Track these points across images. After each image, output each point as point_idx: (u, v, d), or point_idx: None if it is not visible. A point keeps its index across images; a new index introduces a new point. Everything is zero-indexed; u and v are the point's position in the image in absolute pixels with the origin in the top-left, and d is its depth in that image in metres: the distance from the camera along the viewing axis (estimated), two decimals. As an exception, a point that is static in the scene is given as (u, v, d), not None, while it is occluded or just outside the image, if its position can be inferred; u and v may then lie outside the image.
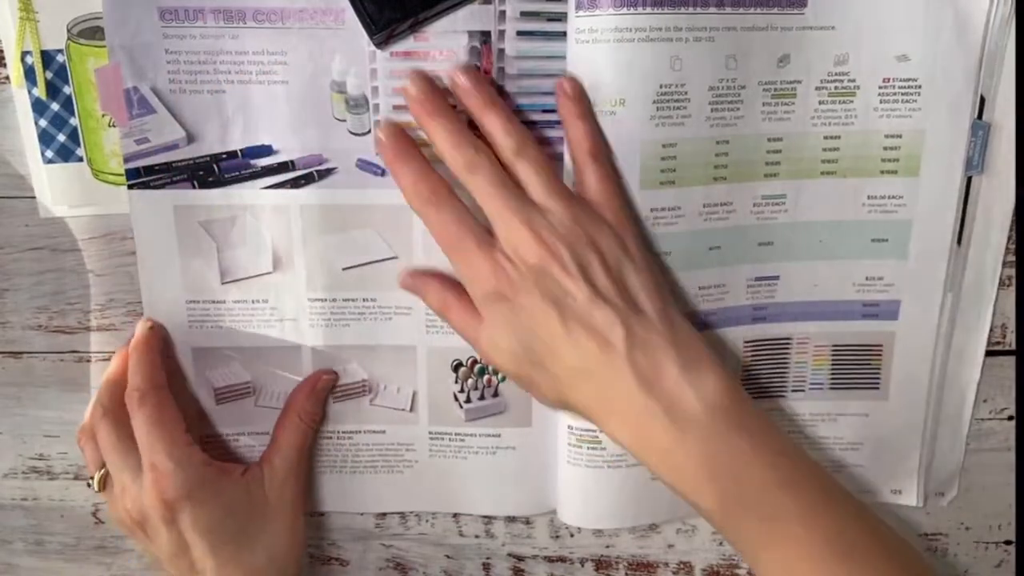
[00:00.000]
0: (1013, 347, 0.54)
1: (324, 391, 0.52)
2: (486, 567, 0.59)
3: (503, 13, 0.47)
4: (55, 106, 0.50)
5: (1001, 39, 0.48)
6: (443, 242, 0.46)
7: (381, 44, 0.46)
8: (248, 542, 0.50)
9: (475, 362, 0.53)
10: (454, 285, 0.47)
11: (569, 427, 0.53)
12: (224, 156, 0.49)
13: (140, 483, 0.48)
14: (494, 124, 0.45)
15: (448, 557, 0.59)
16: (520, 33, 0.47)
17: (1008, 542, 0.58)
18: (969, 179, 0.50)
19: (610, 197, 0.46)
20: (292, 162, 0.49)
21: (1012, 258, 0.52)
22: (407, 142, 0.47)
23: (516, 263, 0.44)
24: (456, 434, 0.55)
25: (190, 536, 0.48)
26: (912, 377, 0.54)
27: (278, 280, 0.51)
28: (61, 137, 0.50)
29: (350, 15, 0.46)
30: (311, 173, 0.49)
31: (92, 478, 0.51)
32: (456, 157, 0.45)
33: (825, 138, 0.49)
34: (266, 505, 0.51)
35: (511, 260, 0.44)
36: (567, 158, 0.48)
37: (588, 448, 0.53)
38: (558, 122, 0.48)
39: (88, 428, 0.51)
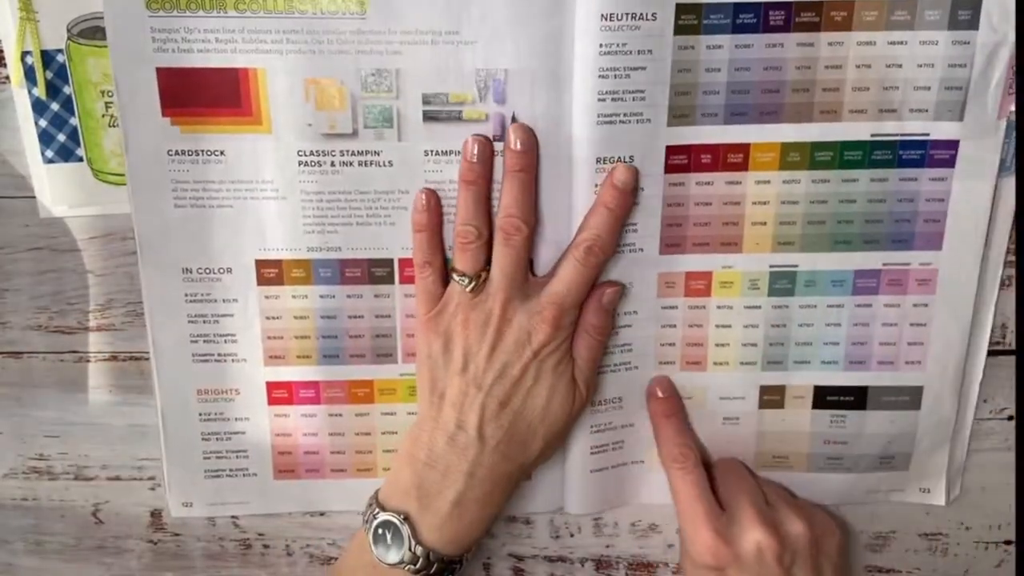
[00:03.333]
0: (1013, 347, 0.54)
1: (611, 304, 0.51)
2: (486, 567, 0.59)
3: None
4: (55, 106, 0.50)
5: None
6: (677, 503, 0.52)
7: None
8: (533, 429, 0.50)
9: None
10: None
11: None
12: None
13: (531, 309, 0.48)
14: None
15: (448, 557, 0.60)
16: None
17: (1008, 542, 0.58)
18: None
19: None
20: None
21: (1012, 258, 0.52)
22: (676, 401, 0.54)
23: (736, 546, 0.49)
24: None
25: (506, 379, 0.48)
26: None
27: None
28: (61, 137, 0.50)
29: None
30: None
31: (464, 276, 0.48)
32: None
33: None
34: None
35: (730, 544, 0.49)
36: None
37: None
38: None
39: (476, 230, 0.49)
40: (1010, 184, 0.51)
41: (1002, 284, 0.53)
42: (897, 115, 0.49)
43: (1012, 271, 0.52)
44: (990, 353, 0.54)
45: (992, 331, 0.53)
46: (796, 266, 0.52)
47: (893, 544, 0.58)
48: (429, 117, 0.49)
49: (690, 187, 0.50)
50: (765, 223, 0.51)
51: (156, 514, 0.58)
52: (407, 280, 0.52)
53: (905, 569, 0.59)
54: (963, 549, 0.59)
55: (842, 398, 0.54)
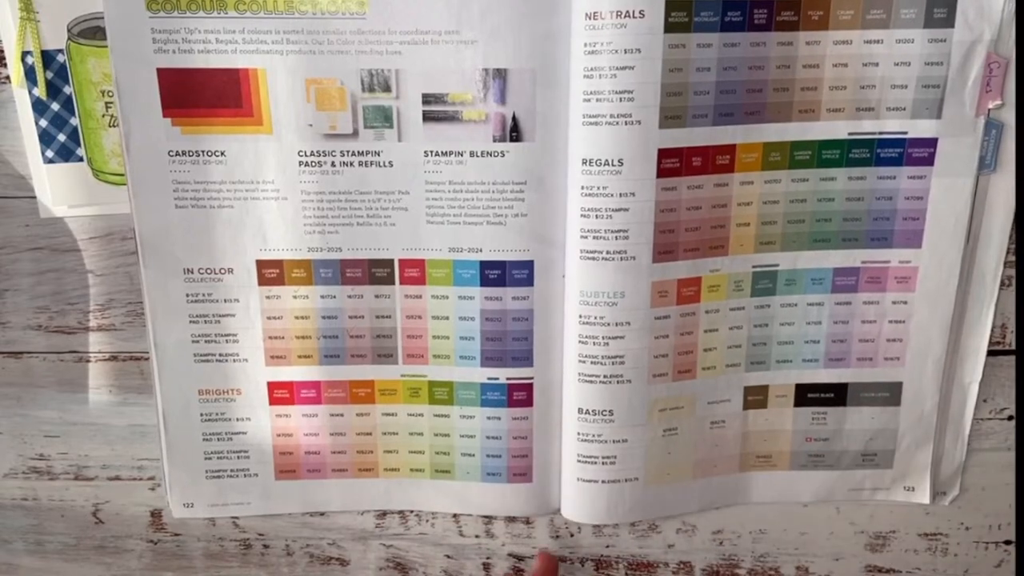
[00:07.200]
0: (1013, 347, 0.53)
1: None
2: (486, 567, 0.58)
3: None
4: (55, 106, 0.49)
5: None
6: None
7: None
8: None
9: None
10: None
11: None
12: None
13: None
14: None
15: (448, 557, 0.58)
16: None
17: (1008, 542, 0.57)
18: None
19: None
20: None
21: (1012, 258, 0.51)
22: None
23: None
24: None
25: None
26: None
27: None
28: (61, 137, 0.49)
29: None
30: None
31: None
32: None
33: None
34: None
35: None
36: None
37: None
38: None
39: None
40: (991, 181, 0.50)
41: (1002, 284, 0.52)
42: (874, 113, 0.48)
43: (1012, 271, 0.51)
44: (990, 353, 0.53)
45: (992, 331, 0.53)
46: (777, 265, 0.51)
47: (893, 544, 0.58)
48: (429, 117, 0.48)
49: (682, 191, 0.48)
50: (748, 224, 0.50)
51: (156, 514, 0.57)
52: (407, 281, 0.51)
53: (905, 569, 0.58)
54: (963, 549, 0.58)
55: (822, 395, 0.54)
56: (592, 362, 0.51)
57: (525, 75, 0.47)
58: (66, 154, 0.50)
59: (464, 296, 0.52)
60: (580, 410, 0.52)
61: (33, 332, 0.54)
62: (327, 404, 0.54)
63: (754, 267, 0.51)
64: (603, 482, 0.54)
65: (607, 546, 0.58)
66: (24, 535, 0.58)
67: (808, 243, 0.51)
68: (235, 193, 0.50)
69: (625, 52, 0.46)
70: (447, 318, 0.52)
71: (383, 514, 0.57)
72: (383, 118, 0.48)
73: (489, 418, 0.54)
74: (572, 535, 0.58)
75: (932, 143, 0.49)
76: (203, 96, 0.48)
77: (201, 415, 0.54)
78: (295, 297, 0.52)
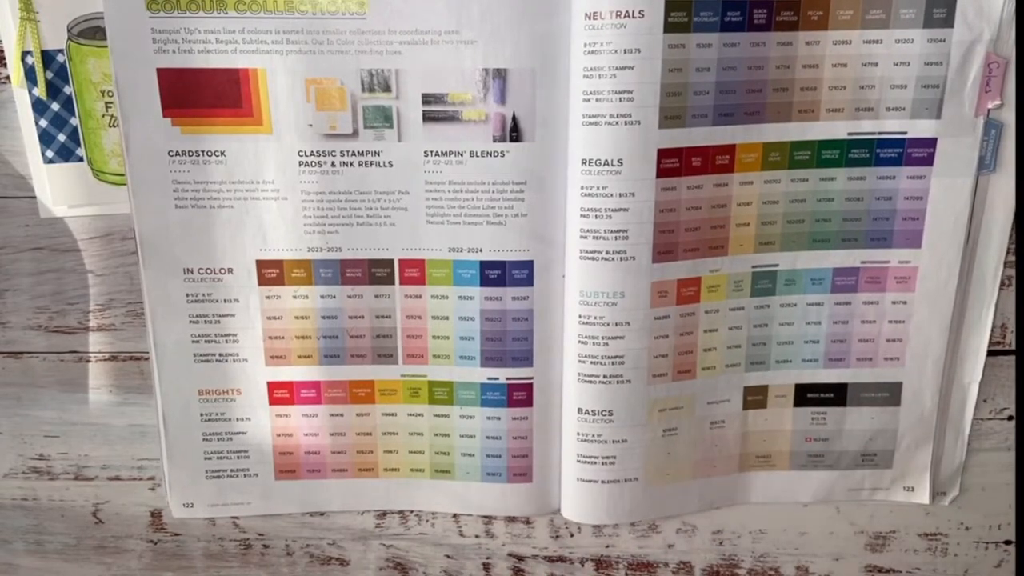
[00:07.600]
0: (1013, 347, 0.53)
1: None
2: (486, 567, 0.58)
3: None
4: (55, 106, 0.48)
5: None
6: None
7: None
8: None
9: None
10: None
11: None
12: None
13: None
14: None
15: (448, 557, 0.58)
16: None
17: (1008, 542, 0.57)
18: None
19: None
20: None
21: (1012, 258, 0.51)
22: None
23: None
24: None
25: None
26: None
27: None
28: (61, 137, 0.49)
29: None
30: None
31: None
32: None
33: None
34: None
35: None
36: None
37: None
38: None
39: None
40: (991, 181, 0.49)
41: (1002, 284, 0.51)
42: (874, 113, 0.48)
43: (1012, 271, 0.51)
44: (990, 353, 0.53)
45: (992, 331, 0.52)
46: (776, 265, 0.51)
47: (893, 544, 0.57)
48: (429, 117, 0.48)
49: (681, 191, 0.48)
50: (748, 224, 0.50)
51: (156, 514, 0.57)
52: (407, 281, 0.51)
53: (905, 569, 0.58)
54: (963, 549, 0.57)
55: (822, 395, 0.53)
56: (592, 362, 0.51)
57: (525, 75, 0.47)
58: (66, 154, 0.50)
59: (464, 296, 0.51)
60: (580, 410, 0.52)
61: (33, 332, 0.53)
62: (327, 404, 0.54)
63: (754, 267, 0.51)
64: (603, 482, 0.54)
65: (607, 546, 0.58)
66: (24, 535, 0.58)
67: (808, 243, 0.51)
68: (235, 193, 0.50)
69: (625, 52, 0.45)
70: (447, 318, 0.52)
71: (383, 514, 0.57)
72: (383, 118, 0.48)
73: (489, 418, 0.54)
74: (572, 535, 0.57)
75: (932, 143, 0.49)
76: (203, 96, 0.48)
77: (201, 415, 0.54)
78: (295, 297, 0.52)
